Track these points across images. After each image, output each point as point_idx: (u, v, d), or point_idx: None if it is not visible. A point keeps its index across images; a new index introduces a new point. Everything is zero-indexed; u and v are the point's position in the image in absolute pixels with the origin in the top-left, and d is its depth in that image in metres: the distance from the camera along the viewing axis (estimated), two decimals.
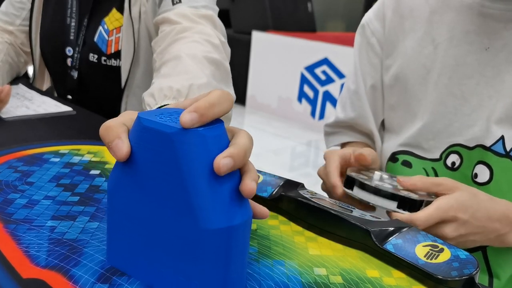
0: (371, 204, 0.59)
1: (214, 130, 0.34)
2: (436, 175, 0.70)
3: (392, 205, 0.57)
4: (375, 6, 0.79)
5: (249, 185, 0.34)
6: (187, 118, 0.32)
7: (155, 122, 0.33)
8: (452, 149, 0.68)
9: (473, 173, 0.66)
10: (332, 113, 0.86)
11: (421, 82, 0.71)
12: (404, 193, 0.58)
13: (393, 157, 0.74)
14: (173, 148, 0.33)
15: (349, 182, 0.62)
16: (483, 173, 0.65)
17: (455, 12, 0.67)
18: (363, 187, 0.60)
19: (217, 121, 0.35)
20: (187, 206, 0.33)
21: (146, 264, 0.37)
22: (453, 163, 0.68)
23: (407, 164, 0.72)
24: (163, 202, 0.34)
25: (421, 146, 0.71)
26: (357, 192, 0.61)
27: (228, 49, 0.80)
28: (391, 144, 0.75)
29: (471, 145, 0.66)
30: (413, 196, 0.57)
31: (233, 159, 0.33)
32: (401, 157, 0.73)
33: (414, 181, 0.58)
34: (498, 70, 0.64)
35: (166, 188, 0.34)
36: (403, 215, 0.55)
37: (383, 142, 0.79)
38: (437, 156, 0.69)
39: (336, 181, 0.62)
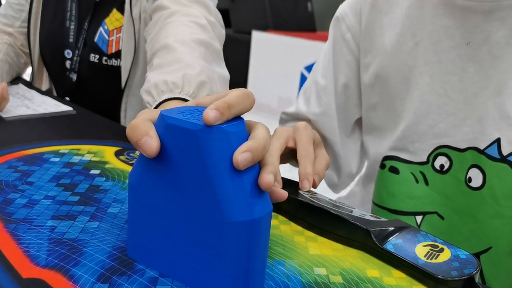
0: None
1: (236, 127, 0.35)
2: (425, 179, 0.66)
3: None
4: (351, 0, 0.74)
5: (266, 178, 0.34)
6: (210, 115, 0.33)
7: (179, 119, 0.34)
8: (439, 151, 0.65)
9: (467, 177, 0.63)
10: None
11: (402, 81, 0.67)
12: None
13: (382, 164, 0.70)
14: (197, 144, 0.34)
15: None
16: (477, 178, 0.62)
17: (433, 6, 0.64)
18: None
19: (237, 118, 0.36)
20: (211, 200, 0.34)
21: (168, 258, 0.38)
22: (442, 166, 0.65)
23: (394, 170, 0.68)
24: (187, 196, 0.35)
25: (406, 149, 0.67)
26: None
27: (219, 30, 0.78)
28: (378, 149, 0.72)
29: (462, 146, 0.63)
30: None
31: (251, 153, 0.33)
32: (388, 163, 0.69)
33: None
34: (480, 65, 0.60)
35: (190, 182, 0.35)
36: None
37: (368, 146, 0.75)
38: (424, 159, 0.66)
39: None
